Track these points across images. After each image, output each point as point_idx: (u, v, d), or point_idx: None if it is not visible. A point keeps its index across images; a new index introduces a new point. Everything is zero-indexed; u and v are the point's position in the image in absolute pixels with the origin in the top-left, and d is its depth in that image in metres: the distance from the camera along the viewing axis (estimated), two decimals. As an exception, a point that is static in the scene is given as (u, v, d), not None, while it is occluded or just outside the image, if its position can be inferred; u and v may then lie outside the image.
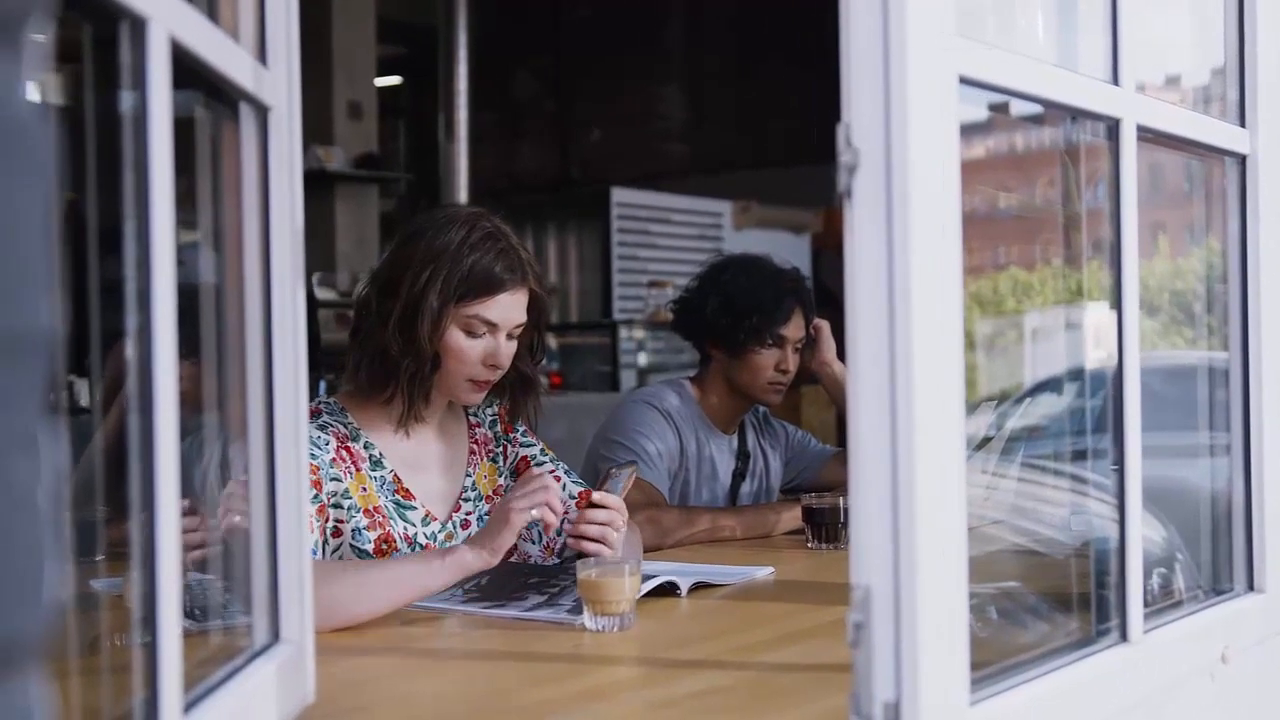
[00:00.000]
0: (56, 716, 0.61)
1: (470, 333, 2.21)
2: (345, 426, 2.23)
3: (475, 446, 2.40)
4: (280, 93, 1.37)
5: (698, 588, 2.18)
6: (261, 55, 1.34)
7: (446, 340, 2.20)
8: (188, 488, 1.06)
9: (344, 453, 2.19)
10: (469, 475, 2.37)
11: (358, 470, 2.20)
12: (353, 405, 2.28)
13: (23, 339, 0.53)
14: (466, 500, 2.35)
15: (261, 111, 1.34)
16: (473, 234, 2.19)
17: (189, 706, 1.07)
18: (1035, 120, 1.71)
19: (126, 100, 1.00)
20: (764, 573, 2.36)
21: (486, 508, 2.36)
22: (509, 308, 2.22)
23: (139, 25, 0.98)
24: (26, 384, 0.53)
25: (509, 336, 2.25)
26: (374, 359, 2.21)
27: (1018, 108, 1.56)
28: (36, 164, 0.55)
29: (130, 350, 1.00)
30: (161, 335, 1.00)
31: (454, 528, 2.30)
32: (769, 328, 2.97)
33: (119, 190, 1.00)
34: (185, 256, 1.08)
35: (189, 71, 1.10)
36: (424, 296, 2.16)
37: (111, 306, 1.01)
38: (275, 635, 1.36)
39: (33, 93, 0.57)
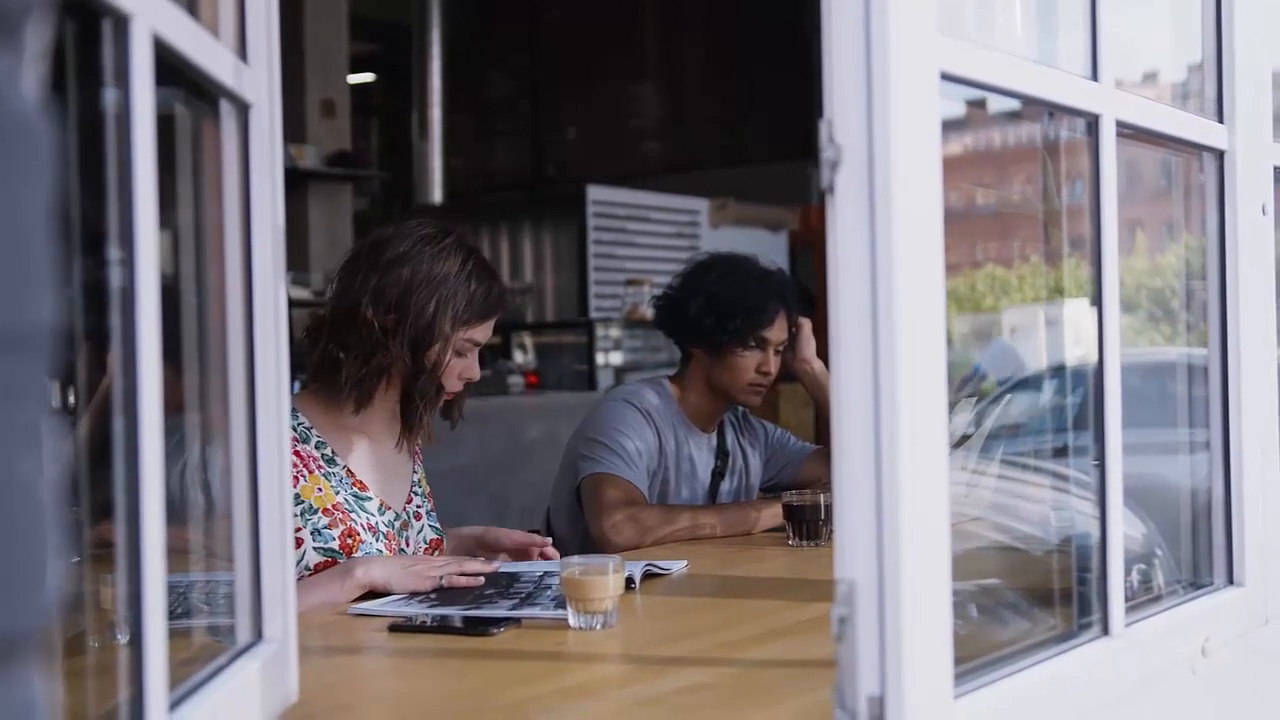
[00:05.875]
0: (54, 711, 0.61)
1: (460, 353, 2.29)
2: (295, 429, 2.23)
3: (416, 447, 2.47)
4: (261, 90, 1.36)
5: (648, 577, 2.23)
6: (242, 52, 1.33)
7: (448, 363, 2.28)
8: (167, 488, 1.05)
9: (293, 457, 2.20)
10: (415, 472, 2.45)
11: (310, 472, 2.21)
12: (307, 406, 2.29)
13: (28, 334, 0.53)
14: (416, 494, 2.43)
15: (243, 109, 1.33)
16: (469, 261, 2.28)
17: (174, 705, 1.07)
18: (1012, 117, 1.71)
19: (108, 97, 1.00)
20: (679, 566, 2.37)
21: (430, 504, 2.46)
22: (491, 328, 2.34)
23: (122, 22, 0.98)
24: (30, 378, 0.54)
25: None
26: (375, 375, 2.25)
27: (994, 105, 1.56)
28: (39, 160, 0.56)
29: (113, 351, 0.99)
30: (145, 335, 0.99)
31: (408, 517, 2.39)
32: (752, 330, 2.96)
33: (100, 188, 1.00)
34: (164, 255, 1.08)
35: (168, 68, 1.09)
36: (435, 324, 2.23)
37: (93, 307, 1.00)
38: (258, 634, 1.35)
39: (33, 89, 0.57)
